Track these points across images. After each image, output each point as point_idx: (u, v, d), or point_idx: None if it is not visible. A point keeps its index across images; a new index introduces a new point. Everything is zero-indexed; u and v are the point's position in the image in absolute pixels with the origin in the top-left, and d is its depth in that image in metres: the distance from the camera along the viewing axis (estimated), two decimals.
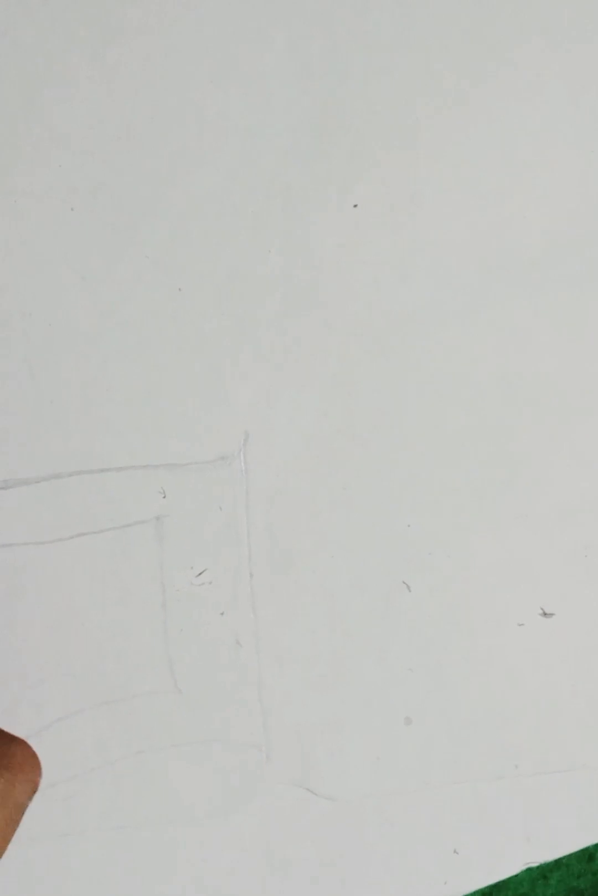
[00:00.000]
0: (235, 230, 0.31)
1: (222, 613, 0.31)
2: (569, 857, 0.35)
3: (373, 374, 0.32)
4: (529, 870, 0.34)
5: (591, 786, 0.33)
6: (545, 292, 0.33)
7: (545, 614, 0.33)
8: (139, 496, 0.31)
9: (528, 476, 0.33)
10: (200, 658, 0.31)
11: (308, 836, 0.32)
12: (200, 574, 0.31)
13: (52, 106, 0.30)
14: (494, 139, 0.32)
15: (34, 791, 0.22)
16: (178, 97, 0.31)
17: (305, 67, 0.31)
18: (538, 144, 0.33)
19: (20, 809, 0.22)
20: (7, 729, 0.24)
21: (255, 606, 0.32)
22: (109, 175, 0.31)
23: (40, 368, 0.30)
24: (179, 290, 0.31)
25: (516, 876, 0.33)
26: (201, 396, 0.31)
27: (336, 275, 0.32)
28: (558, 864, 0.36)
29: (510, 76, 0.32)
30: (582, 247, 0.33)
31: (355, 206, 0.32)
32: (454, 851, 0.33)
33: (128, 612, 0.31)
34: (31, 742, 0.23)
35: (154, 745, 0.32)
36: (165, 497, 0.31)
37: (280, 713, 0.32)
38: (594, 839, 0.34)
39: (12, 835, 0.22)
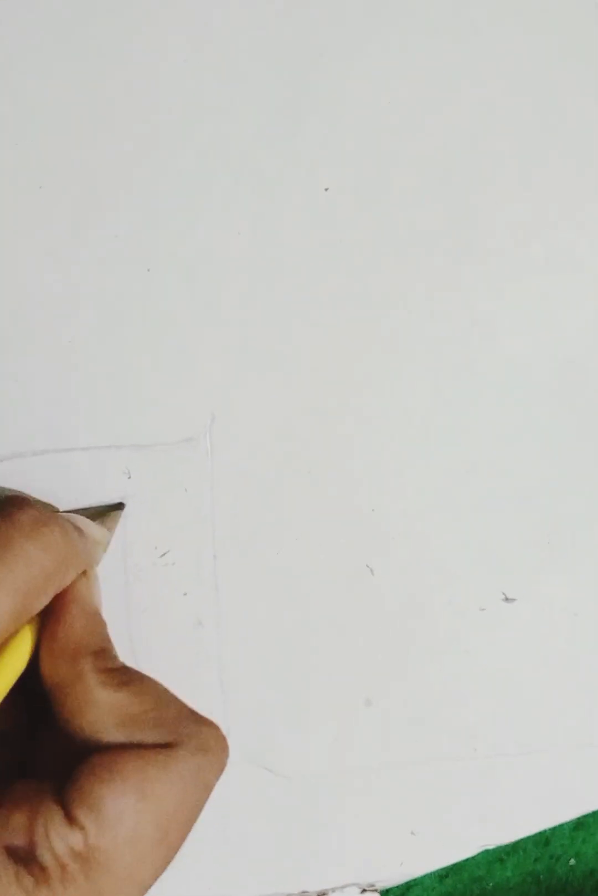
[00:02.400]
0: (204, 210, 0.31)
1: (185, 594, 0.31)
2: (526, 840, 0.36)
3: (339, 358, 0.32)
4: (485, 852, 0.34)
5: (548, 770, 0.34)
6: (513, 277, 0.33)
7: (506, 599, 0.33)
8: (103, 477, 0.31)
9: (492, 460, 0.33)
10: (161, 638, 0.31)
11: (264, 814, 0.32)
12: (163, 555, 0.31)
13: (21, 80, 0.30)
14: (466, 124, 0.32)
15: (222, 772, 0.23)
16: (149, 76, 0.31)
17: (277, 48, 0.31)
18: (512, 129, 0.33)
19: (209, 790, 0.23)
20: None
21: (217, 587, 0.32)
22: (78, 152, 0.30)
23: (3, 346, 0.30)
24: (148, 270, 0.31)
25: (472, 858, 0.34)
26: (167, 377, 0.31)
27: (305, 258, 0.32)
28: (514, 847, 0.37)
29: (486, 60, 0.32)
30: (553, 233, 0.33)
31: (326, 189, 0.32)
32: (411, 833, 0.33)
33: None
34: None
35: None
36: (129, 478, 0.31)
37: (240, 692, 0.32)
38: (551, 823, 0.34)
39: (199, 814, 0.22)
